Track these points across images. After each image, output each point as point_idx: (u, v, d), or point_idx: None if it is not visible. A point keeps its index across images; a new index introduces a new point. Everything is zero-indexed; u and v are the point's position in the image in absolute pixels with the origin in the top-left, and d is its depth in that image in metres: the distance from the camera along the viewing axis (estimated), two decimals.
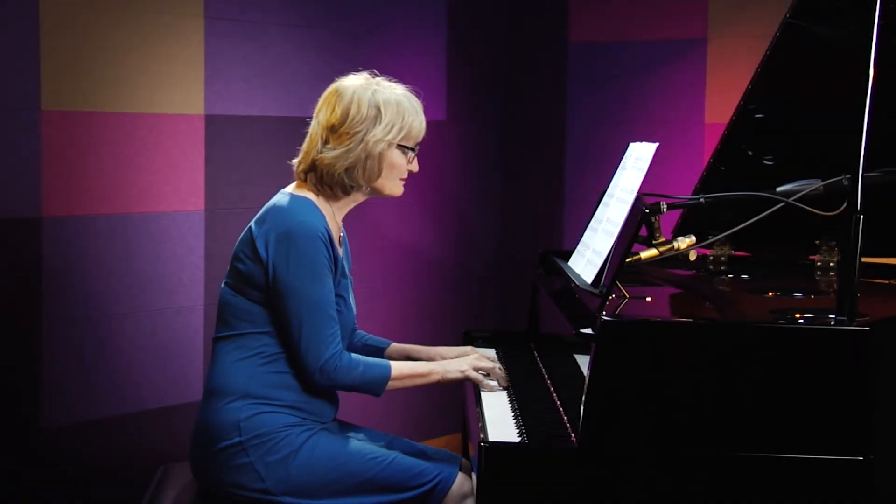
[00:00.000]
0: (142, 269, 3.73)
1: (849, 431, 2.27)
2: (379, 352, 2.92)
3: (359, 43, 4.27)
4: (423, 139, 2.75)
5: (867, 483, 2.27)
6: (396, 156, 2.68)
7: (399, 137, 2.67)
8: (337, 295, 2.62)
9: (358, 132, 2.64)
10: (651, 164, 2.64)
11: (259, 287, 2.60)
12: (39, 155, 3.46)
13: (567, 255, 3.04)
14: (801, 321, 2.50)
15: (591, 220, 2.95)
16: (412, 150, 2.71)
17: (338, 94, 2.68)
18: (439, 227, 4.70)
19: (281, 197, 2.67)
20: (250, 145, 3.96)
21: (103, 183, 3.62)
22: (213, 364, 2.67)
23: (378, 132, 2.64)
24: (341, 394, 2.79)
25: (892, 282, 3.13)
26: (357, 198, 2.74)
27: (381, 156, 2.66)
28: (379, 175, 2.68)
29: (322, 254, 2.56)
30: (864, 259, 2.41)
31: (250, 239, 2.61)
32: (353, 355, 2.62)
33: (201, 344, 3.87)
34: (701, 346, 2.31)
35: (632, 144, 2.84)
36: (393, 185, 2.72)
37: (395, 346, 2.95)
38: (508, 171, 4.93)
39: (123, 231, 3.68)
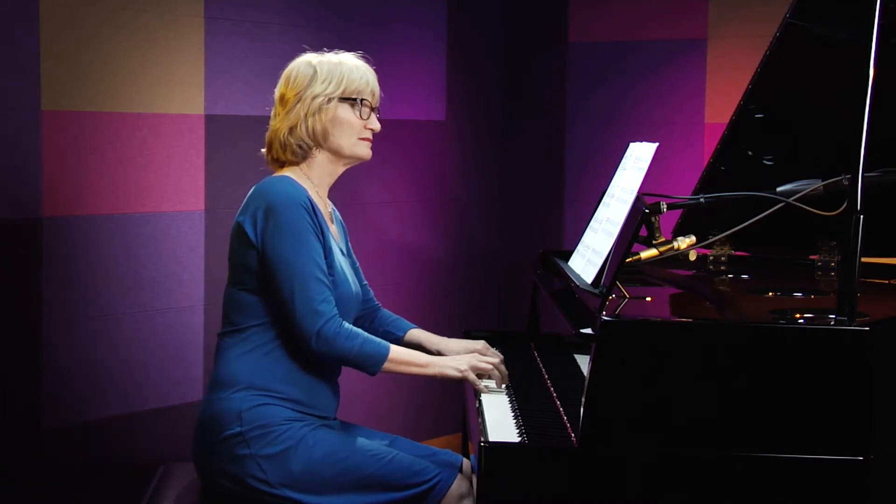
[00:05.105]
0: (142, 269, 3.73)
1: (849, 431, 2.27)
2: (395, 340, 2.89)
3: (359, 43, 4.26)
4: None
5: (867, 483, 2.27)
6: (343, 110, 2.67)
7: (339, 91, 2.66)
8: (328, 266, 2.61)
9: (298, 93, 2.66)
10: (651, 164, 2.63)
11: (254, 272, 2.60)
12: (39, 155, 3.46)
13: (567, 255, 3.04)
14: (801, 321, 2.50)
15: (591, 220, 2.95)
16: (361, 102, 2.68)
17: (286, 71, 2.73)
18: (439, 227, 4.70)
19: (259, 183, 2.68)
20: (250, 145, 3.94)
21: (103, 183, 3.62)
22: (217, 358, 2.67)
23: (316, 88, 2.65)
24: (344, 391, 2.79)
25: (892, 282, 3.13)
26: (330, 168, 2.72)
27: (322, 110, 2.65)
28: (326, 133, 2.67)
29: (306, 220, 2.57)
30: (864, 259, 2.41)
31: (239, 229, 2.62)
32: (354, 327, 2.62)
33: (201, 344, 3.87)
34: (701, 346, 2.31)
35: (632, 144, 2.84)
36: (352, 144, 2.70)
37: (413, 333, 2.94)
38: (508, 171, 4.93)
39: (123, 231, 3.68)
